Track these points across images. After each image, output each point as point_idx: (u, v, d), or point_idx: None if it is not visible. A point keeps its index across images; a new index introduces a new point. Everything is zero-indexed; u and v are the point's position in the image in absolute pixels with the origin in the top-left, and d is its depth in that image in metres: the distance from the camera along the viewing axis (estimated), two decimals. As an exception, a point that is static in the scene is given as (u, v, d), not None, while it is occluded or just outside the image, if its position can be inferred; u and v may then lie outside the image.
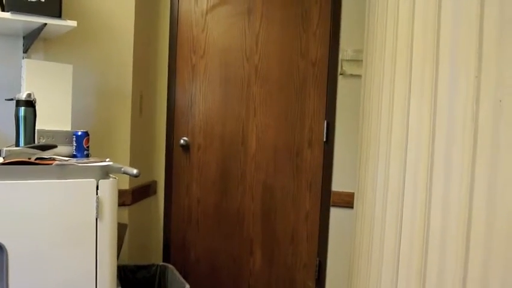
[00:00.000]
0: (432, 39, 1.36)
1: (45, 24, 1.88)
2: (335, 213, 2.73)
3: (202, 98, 2.83)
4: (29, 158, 1.62)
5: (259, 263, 2.82)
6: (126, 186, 2.37)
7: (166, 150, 2.86)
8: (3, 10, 1.87)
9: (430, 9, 1.38)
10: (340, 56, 2.67)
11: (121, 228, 2.18)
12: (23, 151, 1.65)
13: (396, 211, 1.57)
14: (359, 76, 2.59)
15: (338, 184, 2.71)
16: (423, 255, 1.43)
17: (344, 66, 2.66)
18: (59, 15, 1.90)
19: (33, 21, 1.87)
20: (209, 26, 2.82)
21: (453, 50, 1.29)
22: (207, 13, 2.81)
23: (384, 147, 1.66)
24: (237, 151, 2.82)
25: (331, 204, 2.73)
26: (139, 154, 2.58)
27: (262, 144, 2.80)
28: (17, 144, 1.79)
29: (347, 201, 2.67)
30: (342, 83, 2.68)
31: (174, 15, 2.84)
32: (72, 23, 1.94)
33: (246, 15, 2.78)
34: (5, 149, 1.62)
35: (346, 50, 2.66)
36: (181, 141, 2.82)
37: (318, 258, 2.77)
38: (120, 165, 1.76)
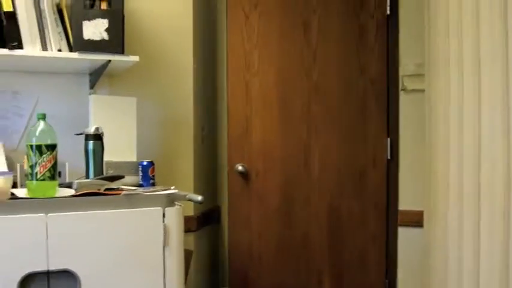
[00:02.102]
0: (501, 44, 1.29)
1: (110, 60, 1.96)
2: (404, 232, 2.63)
3: (260, 120, 2.62)
4: (99, 189, 1.68)
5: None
6: (190, 212, 2.40)
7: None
8: (71, 50, 1.98)
9: (495, 14, 1.31)
10: (401, 72, 2.60)
11: (187, 254, 2.20)
12: (92, 183, 1.72)
13: (473, 230, 1.48)
14: (422, 91, 2.51)
15: (405, 203, 2.62)
16: (505, 278, 1.33)
17: (405, 82, 2.59)
18: (122, 51, 1.98)
19: (98, 59, 1.96)
20: (262, 43, 2.62)
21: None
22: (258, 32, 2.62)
23: (455, 164, 1.59)
24: (300, 175, 2.63)
25: (399, 223, 2.63)
26: (202, 181, 2.61)
27: (325, 166, 2.64)
28: (87, 176, 1.86)
29: (416, 220, 2.56)
30: (404, 99, 2.61)
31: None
32: (135, 58, 2.01)
33: (301, 29, 2.63)
34: (76, 181, 1.69)
35: (406, 64, 2.59)
36: (240, 167, 2.56)
37: (387, 280, 2.66)
38: (184, 193, 1.78)
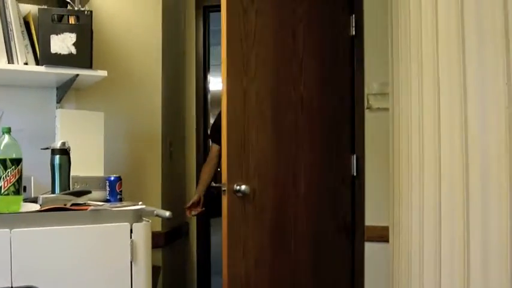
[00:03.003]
0: (458, 72, 1.35)
1: (77, 75, 1.95)
2: (370, 248, 2.67)
3: (255, 132, 2.23)
4: (65, 205, 1.66)
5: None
6: (158, 228, 2.39)
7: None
8: (37, 64, 1.96)
9: (453, 37, 1.38)
10: (366, 90, 2.67)
11: (155, 271, 2.18)
12: (58, 198, 1.69)
13: (434, 245, 1.53)
14: (386, 109, 2.58)
15: (372, 218, 2.66)
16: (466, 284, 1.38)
17: (370, 101, 2.65)
18: (90, 66, 1.98)
19: (65, 73, 1.95)
20: (259, 43, 2.24)
21: (482, 80, 1.28)
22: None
23: (417, 180, 1.64)
24: (289, 194, 2.32)
25: (365, 239, 2.67)
26: (170, 196, 2.60)
27: (309, 184, 2.40)
28: (53, 191, 1.83)
29: (382, 235, 2.60)
30: (369, 117, 2.67)
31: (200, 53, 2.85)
32: (103, 73, 2.01)
33: (290, 35, 2.36)
34: (41, 196, 1.66)
35: (371, 83, 2.66)
36: (243, 187, 2.07)
37: (355, 296, 2.69)
38: (152, 208, 1.78)
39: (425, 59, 1.56)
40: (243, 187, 2.06)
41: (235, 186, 2.07)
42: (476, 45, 1.29)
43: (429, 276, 1.55)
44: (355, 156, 2.68)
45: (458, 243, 1.40)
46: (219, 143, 2.79)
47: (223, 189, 2.04)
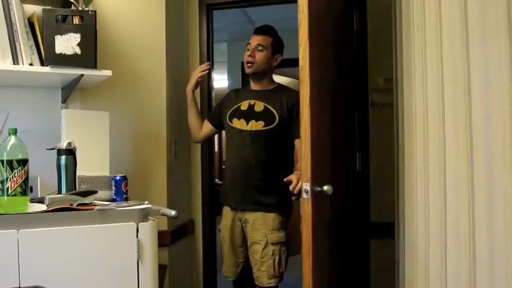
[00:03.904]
0: (462, 63, 1.35)
1: (82, 75, 1.96)
2: (375, 244, 2.67)
3: (318, 125, 1.81)
4: (71, 205, 1.66)
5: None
6: (165, 227, 2.39)
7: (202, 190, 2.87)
8: (42, 64, 1.97)
9: (457, 34, 1.37)
10: (370, 86, 2.66)
11: (161, 269, 2.19)
12: (65, 198, 1.70)
13: (440, 239, 1.53)
14: (391, 105, 2.58)
15: (377, 215, 2.66)
16: (471, 284, 1.38)
17: (374, 96, 2.65)
18: (94, 66, 1.98)
19: (70, 73, 1.95)
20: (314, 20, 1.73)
21: (485, 78, 1.27)
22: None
23: (422, 175, 1.64)
24: (338, 193, 2.02)
25: (371, 235, 2.67)
26: (176, 195, 2.60)
27: (343, 182, 2.32)
28: (59, 191, 1.84)
29: (387, 231, 2.60)
30: (373, 113, 2.67)
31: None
32: (107, 73, 2.01)
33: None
34: (48, 196, 1.67)
35: (375, 79, 2.65)
36: (325, 187, 1.78)
37: (361, 292, 2.69)
38: (158, 208, 1.78)
39: (429, 55, 1.55)
40: (326, 187, 1.81)
41: (317, 187, 1.80)
42: (480, 44, 1.28)
43: (435, 268, 1.55)
44: (360, 152, 2.68)
45: (464, 237, 1.40)
46: (210, 121, 2.66)
47: (305, 189, 1.77)
